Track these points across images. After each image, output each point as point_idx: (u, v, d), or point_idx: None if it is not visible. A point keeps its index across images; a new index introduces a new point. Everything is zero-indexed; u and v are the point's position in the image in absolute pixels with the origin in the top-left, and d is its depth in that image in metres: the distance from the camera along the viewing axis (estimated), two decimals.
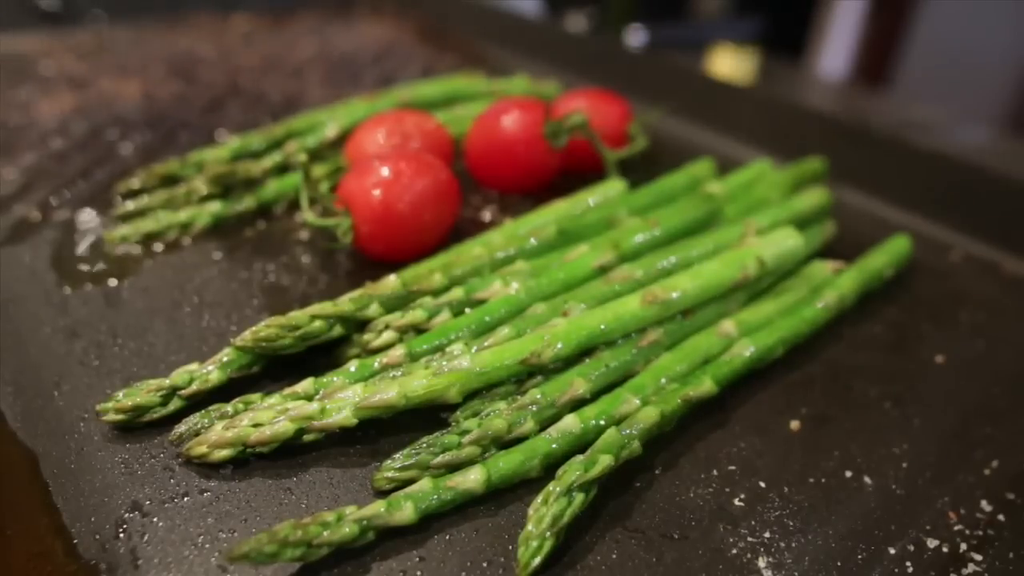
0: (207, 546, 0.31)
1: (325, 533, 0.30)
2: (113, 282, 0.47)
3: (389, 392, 0.35)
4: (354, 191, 0.47)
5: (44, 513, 0.32)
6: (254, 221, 0.55)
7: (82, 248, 0.51)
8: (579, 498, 0.32)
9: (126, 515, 0.32)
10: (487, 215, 0.57)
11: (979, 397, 0.43)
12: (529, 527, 0.31)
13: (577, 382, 0.37)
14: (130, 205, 0.54)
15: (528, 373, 0.38)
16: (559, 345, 0.38)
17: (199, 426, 0.35)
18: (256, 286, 0.48)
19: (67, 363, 0.41)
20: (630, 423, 0.35)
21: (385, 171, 0.47)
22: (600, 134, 0.57)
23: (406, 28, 1.07)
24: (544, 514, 0.31)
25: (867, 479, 0.37)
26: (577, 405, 0.37)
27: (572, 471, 0.33)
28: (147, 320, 0.44)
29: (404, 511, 0.31)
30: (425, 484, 0.33)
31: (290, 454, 0.35)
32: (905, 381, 0.44)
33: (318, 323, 0.40)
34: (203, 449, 0.34)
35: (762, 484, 0.36)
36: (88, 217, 0.54)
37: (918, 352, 0.46)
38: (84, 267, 0.49)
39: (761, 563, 0.32)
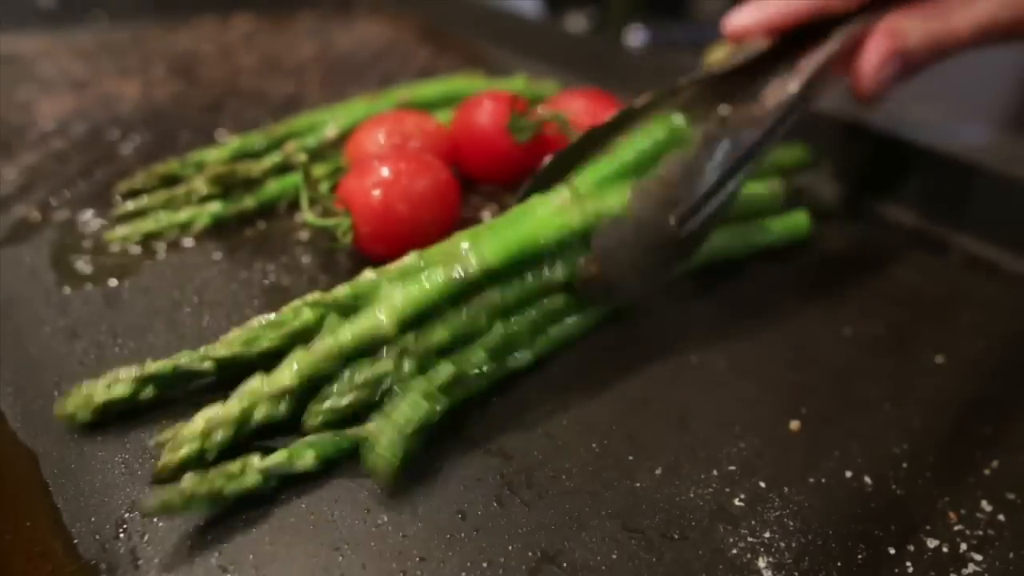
0: (207, 546, 0.31)
1: (231, 485, 0.31)
2: (113, 282, 0.47)
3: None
4: (354, 191, 0.47)
5: (44, 513, 0.32)
6: (254, 221, 0.55)
7: (82, 248, 0.51)
8: None
9: (126, 515, 0.32)
10: (487, 215, 0.57)
11: (979, 397, 0.43)
12: None
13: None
14: (130, 205, 0.54)
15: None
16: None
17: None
18: (256, 286, 0.48)
19: (67, 363, 0.41)
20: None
21: (385, 171, 0.47)
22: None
23: (406, 28, 1.07)
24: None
25: (867, 479, 0.37)
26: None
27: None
28: (147, 320, 0.44)
29: (305, 459, 0.33)
30: (325, 436, 0.34)
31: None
32: (905, 381, 0.44)
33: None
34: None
35: (762, 484, 0.36)
36: (88, 217, 0.54)
37: (918, 352, 0.46)
38: (84, 267, 0.49)
39: (761, 563, 0.32)
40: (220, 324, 0.44)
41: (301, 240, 0.53)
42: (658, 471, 0.36)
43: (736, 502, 0.35)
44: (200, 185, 0.54)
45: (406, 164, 0.48)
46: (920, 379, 0.44)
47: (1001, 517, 0.35)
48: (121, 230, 0.52)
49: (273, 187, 0.56)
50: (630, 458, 0.37)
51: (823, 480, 0.36)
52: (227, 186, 0.55)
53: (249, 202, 0.55)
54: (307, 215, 0.47)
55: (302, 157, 0.56)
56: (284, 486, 0.34)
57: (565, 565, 0.31)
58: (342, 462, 0.35)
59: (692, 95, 0.47)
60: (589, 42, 0.98)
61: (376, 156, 0.49)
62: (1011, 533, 0.34)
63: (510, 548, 0.32)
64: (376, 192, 0.46)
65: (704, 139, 0.40)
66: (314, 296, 0.38)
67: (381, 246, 0.48)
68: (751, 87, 0.48)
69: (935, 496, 0.36)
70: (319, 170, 0.56)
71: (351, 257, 0.51)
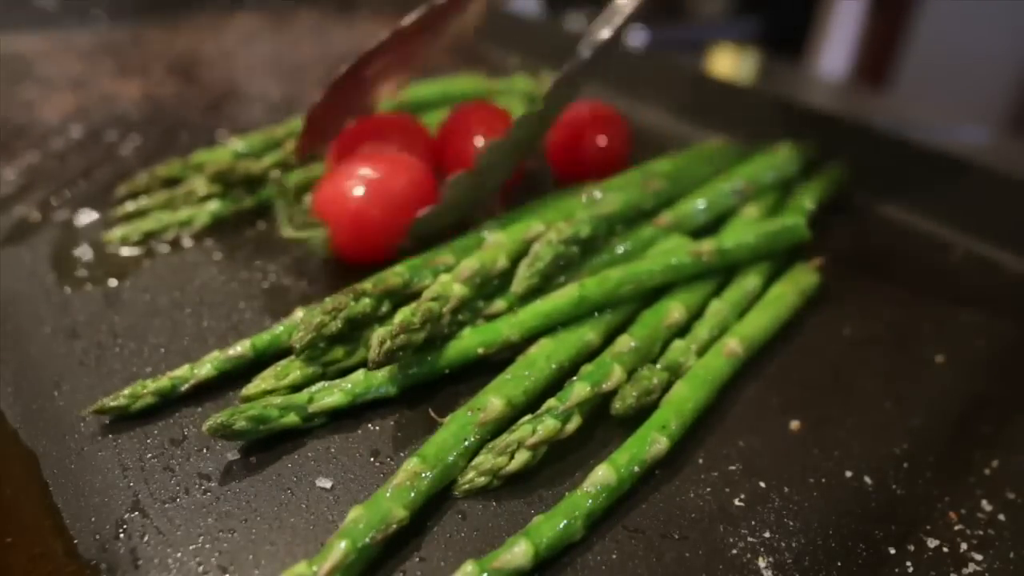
0: (207, 546, 0.31)
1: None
2: (113, 282, 0.47)
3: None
4: (327, 200, 0.46)
5: (44, 513, 0.32)
6: (254, 221, 0.55)
7: (82, 248, 0.51)
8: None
9: (126, 515, 0.32)
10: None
11: (979, 397, 0.43)
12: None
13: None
14: (130, 205, 0.54)
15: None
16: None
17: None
18: (256, 286, 0.48)
19: (67, 363, 0.41)
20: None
21: (357, 177, 0.46)
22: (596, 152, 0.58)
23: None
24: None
25: (867, 479, 0.37)
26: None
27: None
28: (147, 320, 0.44)
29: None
30: None
31: (291, 453, 0.36)
32: (905, 381, 0.44)
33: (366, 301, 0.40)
34: None
35: (762, 484, 0.36)
36: (88, 217, 0.54)
37: (918, 352, 0.46)
38: (84, 267, 0.49)
39: (761, 563, 0.32)
40: (220, 324, 0.44)
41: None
42: (658, 471, 0.36)
43: (736, 502, 0.35)
44: (200, 185, 0.54)
45: (376, 167, 0.46)
46: (920, 379, 0.44)
47: (1001, 517, 0.35)
48: (121, 230, 0.51)
49: (272, 187, 0.56)
50: None
51: (823, 480, 0.36)
52: (227, 184, 0.55)
53: (248, 202, 0.55)
54: (285, 229, 0.46)
55: (276, 173, 0.55)
56: (286, 487, 0.34)
57: (566, 564, 0.31)
58: (344, 463, 0.35)
59: None
60: None
61: (348, 161, 0.48)
62: (1011, 533, 0.34)
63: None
64: (350, 199, 0.45)
65: (551, 91, 0.46)
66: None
67: (358, 253, 0.47)
68: None
69: (935, 496, 0.36)
70: (318, 171, 0.56)
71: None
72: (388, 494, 0.31)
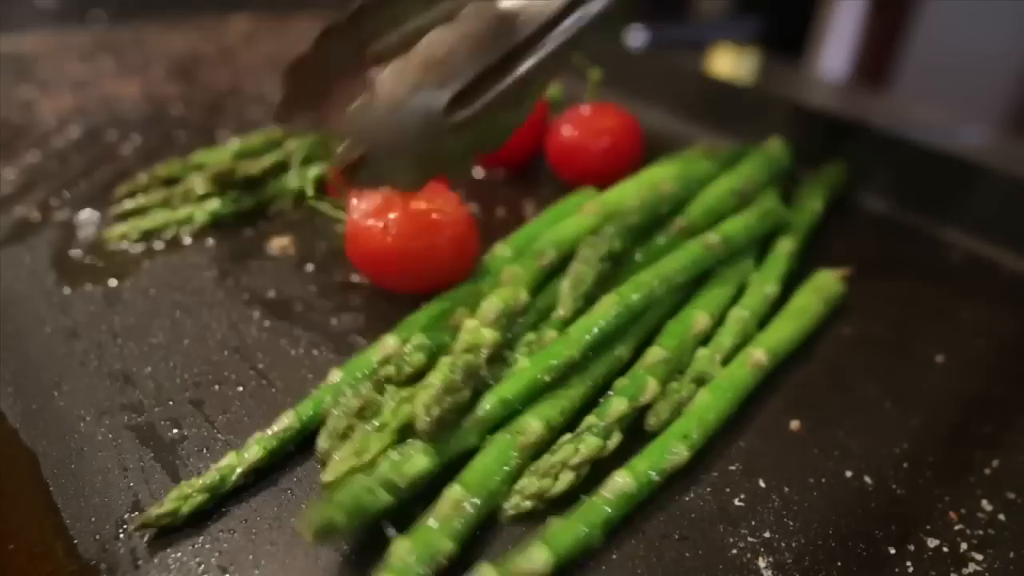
0: (207, 546, 0.31)
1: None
2: (113, 282, 0.47)
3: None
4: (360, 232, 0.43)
5: (44, 513, 0.32)
6: (254, 221, 0.55)
7: (82, 248, 0.51)
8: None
9: (126, 515, 0.32)
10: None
11: (979, 397, 0.43)
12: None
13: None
14: (129, 204, 0.54)
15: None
16: None
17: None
18: (256, 286, 0.48)
19: (67, 363, 0.41)
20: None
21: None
22: (609, 151, 0.57)
23: None
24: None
25: (867, 479, 0.37)
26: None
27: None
28: (147, 320, 0.44)
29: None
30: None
31: (291, 453, 0.35)
32: (905, 381, 0.44)
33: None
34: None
35: (762, 484, 0.36)
36: (88, 217, 0.54)
37: (918, 352, 0.46)
38: (84, 267, 0.49)
39: (761, 563, 0.32)
40: (220, 324, 0.44)
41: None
42: None
43: (736, 502, 0.35)
44: (198, 183, 0.54)
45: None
46: (920, 379, 0.44)
47: (1002, 517, 0.35)
48: (120, 228, 0.52)
49: (273, 187, 0.56)
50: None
51: (823, 480, 0.36)
52: (226, 185, 0.55)
53: (248, 201, 0.55)
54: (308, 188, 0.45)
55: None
56: (286, 487, 0.34)
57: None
58: None
59: None
60: (589, 42, 0.98)
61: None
62: (1011, 533, 0.34)
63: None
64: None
65: (476, 12, 0.35)
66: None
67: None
68: None
69: (935, 496, 0.36)
70: (314, 172, 0.56)
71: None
72: (434, 525, 0.30)
